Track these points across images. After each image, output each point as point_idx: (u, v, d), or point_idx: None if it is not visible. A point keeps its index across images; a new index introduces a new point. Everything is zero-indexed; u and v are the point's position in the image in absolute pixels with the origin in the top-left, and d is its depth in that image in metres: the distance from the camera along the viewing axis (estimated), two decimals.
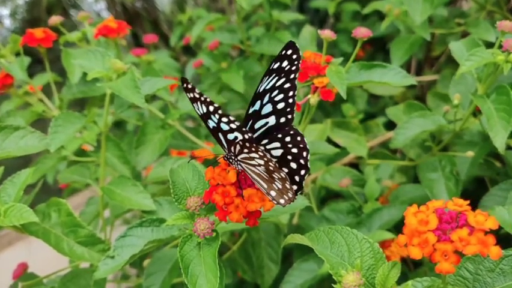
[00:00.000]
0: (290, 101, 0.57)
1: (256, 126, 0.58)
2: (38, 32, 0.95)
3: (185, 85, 0.51)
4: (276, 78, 0.57)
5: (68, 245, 0.68)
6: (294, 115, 0.57)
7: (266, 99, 0.57)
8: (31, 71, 1.04)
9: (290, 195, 0.52)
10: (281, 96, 0.57)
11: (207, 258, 0.53)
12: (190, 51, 1.99)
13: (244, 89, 1.31)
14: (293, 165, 0.55)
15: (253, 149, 0.52)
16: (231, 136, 0.53)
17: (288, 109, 0.57)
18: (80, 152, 1.03)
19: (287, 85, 0.57)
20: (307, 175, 0.55)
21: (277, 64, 0.56)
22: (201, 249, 0.54)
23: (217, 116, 0.52)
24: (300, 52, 0.56)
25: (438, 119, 0.87)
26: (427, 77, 1.42)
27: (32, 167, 0.92)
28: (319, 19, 1.92)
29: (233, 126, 0.52)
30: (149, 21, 2.86)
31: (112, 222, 0.89)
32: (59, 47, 1.04)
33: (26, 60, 1.01)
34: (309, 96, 0.76)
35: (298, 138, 0.55)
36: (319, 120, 1.41)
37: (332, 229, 0.51)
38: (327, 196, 1.27)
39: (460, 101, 0.83)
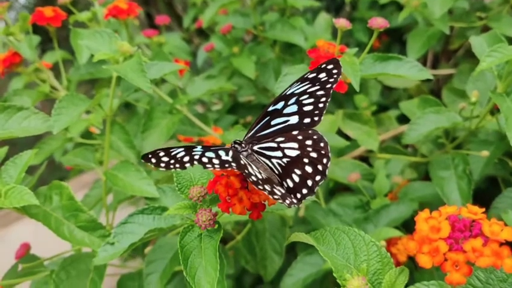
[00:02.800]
0: (320, 105, 0.56)
1: (273, 122, 0.57)
2: (48, 11, 0.93)
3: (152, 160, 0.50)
4: (309, 85, 0.56)
5: (69, 229, 0.67)
6: (322, 118, 0.56)
7: (292, 100, 0.57)
8: (44, 48, 1.02)
9: (295, 199, 0.50)
10: (311, 100, 0.56)
11: (208, 250, 0.51)
12: (204, 33, 1.97)
13: (256, 75, 1.29)
14: (308, 169, 0.53)
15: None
16: None
17: (316, 111, 0.56)
18: (88, 134, 1.02)
19: (321, 92, 0.56)
20: (322, 182, 0.53)
21: (314, 75, 0.56)
22: (202, 241, 0.52)
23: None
24: (342, 69, 0.56)
25: (454, 116, 0.84)
26: (444, 71, 1.38)
27: (36, 148, 0.92)
28: (335, 6, 1.88)
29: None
30: (164, 2, 2.83)
31: (114, 207, 0.88)
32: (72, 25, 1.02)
33: (35, 38, 1.00)
34: None
35: (322, 144, 0.54)
36: (331, 110, 1.39)
37: (339, 230, 0.49)
38: (336, 188, 1.25)
39: (477, 98, 0.80)
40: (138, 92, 1.14)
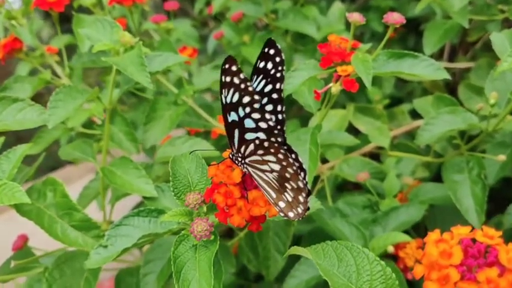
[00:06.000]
0: (279, 117, 0.50)
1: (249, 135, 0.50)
2: None
3: (227, 66, 0.44)
4: (264, 81, 0.49)
5: (62, 228, 0.64)
6: (286, 135, 0.50)
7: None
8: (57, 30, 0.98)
9: (300, 210, 0.47)
10: (271, 107, 0.50)
11: (202, 262, 0.48)
12: (220, 16, 1.92)
13: None
14: (294, 184, 0.48)
15: (271, 151, 0.46)
16: (250, 135, 0.47)
17: (279, 127, 0.49)
18: (90, 123, 1.00)
19: (275, 95, 0.50)
20: (309, 198, 0.49)
21: (263, 63, 0.49)
22: (197, 252, 0.49)
23: (248, 109, 0.45)
24: (283, 54, 0.49)
25: (470, 116, 0.80)
26: (460, 64, 1.33)
27: (36, 137, 0.90)
28: None
29: (263, 125, 0.46)
30: None
31: (112, 204, 0.86)
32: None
33: (37, 23, 0.97)
34: (331, 84, 0.70)
35: (293, 156, 0.48)
36: (342, 102, 1.35)
37: (341, 245, 0.46)
38: (344, 183, 1.22)
39: (496, 100, 0.76)
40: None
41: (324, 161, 1.05)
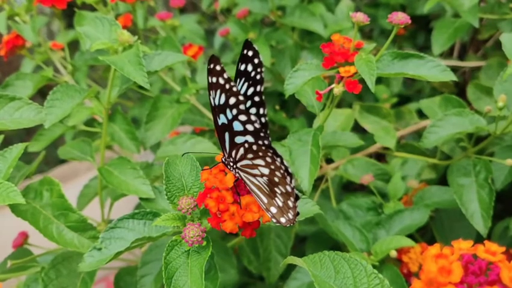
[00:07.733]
0: (263, 120, 0.49)
1: (237, 139, 0.49)
2: None
3: (212, 66, 0.44)
4: (246, 84, 0.49)
5: (58, 229, 0.63)
6: (270, 139, 0.49)
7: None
8: (70, 24, 0.98)
9: (291, 216, 0.45)
10: (254, 110, 0.49)
11: (194, 268, 0.47)
12: (229, 11, 1.90)
13: (272, 62, 1.23)
14: (282, 188, 0.47)
15: (260, 154, 0.45)
16: (239, 139, 0.46)
17: (263, 129, 0.48)
18: (92, 121, 0.99)
19: (257, 98, 0.49)
20: (297, 203, 0.47)
21: (244, 66, 0.49)
22: (189, 257, 0.48)
23: (235, 111, 0.44)
24: (261, 56, 0.48)
25: (478, 119, 0.78)
26: (471, 63, 1.30)
27: (37, 134, 0.89)
28: None
29: (249, 128, 0.45)
30: None
31: (111, 204, 0.85)
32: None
33: (40, 20, 0.96)
34: (333, 85, 0.69)
35: (278, 159, 0.47)
36: (349, 100, 1.33)
37: (339, 256, 0.44)
38: (349, 183, 1.20)
39: (505, 102, 0.73)
40: (150, 77, 1.09)
41: (329, 160, 1.03)
